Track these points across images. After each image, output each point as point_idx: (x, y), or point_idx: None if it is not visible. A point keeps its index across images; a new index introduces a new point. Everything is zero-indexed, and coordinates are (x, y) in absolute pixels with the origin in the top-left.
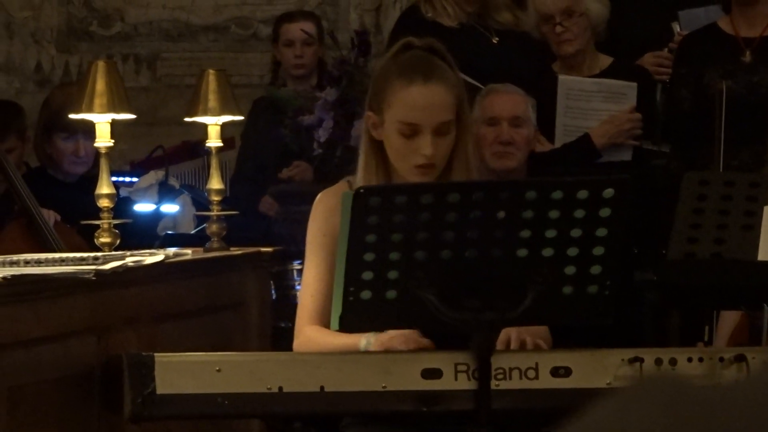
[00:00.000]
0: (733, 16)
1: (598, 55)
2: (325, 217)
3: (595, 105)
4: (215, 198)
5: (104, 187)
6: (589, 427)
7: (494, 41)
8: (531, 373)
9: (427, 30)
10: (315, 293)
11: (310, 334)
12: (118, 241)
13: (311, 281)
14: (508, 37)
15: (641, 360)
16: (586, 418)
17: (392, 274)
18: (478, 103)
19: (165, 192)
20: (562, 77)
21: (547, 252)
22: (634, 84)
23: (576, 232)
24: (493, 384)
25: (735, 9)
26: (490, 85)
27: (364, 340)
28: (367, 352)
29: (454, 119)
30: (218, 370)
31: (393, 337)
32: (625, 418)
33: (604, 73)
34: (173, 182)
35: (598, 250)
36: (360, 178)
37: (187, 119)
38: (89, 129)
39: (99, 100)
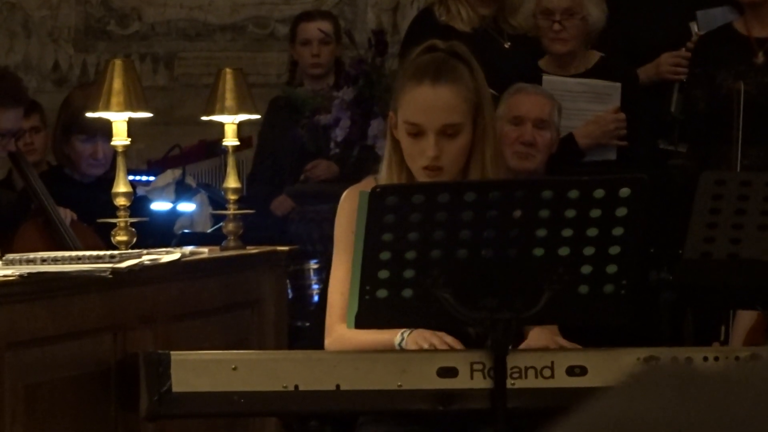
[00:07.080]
0: (746, 16)
1: (586, 54)
2: (352, 215)
3: (581, 105)
4: (232, 197)
5: (121, 186)
6: (599, 415)
7: (506, 46)
8: (546, 372)
9: (440, 35)
10: (345, 291)
11: (343, 332)
12: (134, 240)
13: (341, 279)
14: (521, 41)
15: (657, 359)
16: (594, 405)
17: (408, 273)
18: (504, 101)
19: (182, 191)
20: (546, 77)
21: (564, 251)
22: (618, 84)
23: (592, 232)
24: (509, 383)
25: (747, 10)
26: (519, 83)
27: (398, 337)
28: (384, 351)
29: (465, 122)
30: (234, 369)
31: (422, 332)
32: (634, 405)
33: (592, 70)
34: (190, 181)
35: (615, 250)
36: (383, 176)
37: (204, 118)
38: (108, 131)
39: (116, 99)
